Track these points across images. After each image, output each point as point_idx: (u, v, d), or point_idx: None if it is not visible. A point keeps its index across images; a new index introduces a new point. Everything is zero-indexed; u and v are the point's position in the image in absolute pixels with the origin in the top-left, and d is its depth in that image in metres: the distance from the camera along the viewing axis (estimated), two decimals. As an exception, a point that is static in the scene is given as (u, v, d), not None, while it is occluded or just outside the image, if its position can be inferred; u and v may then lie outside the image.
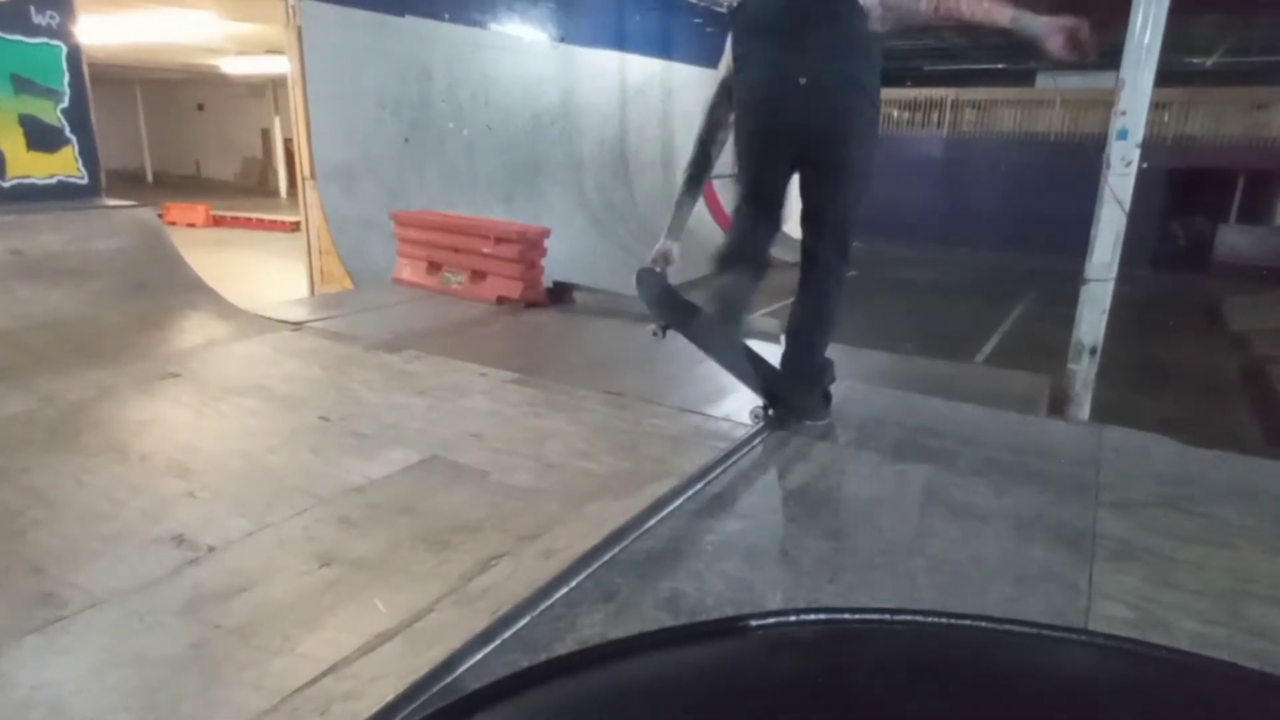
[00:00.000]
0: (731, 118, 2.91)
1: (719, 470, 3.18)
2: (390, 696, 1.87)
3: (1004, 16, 2.75)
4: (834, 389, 4.19)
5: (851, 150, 2.68)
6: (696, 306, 2.86)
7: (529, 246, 6.64)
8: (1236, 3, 11.91)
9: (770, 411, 2.98)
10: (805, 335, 2.70)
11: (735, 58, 2.75)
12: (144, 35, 11.59)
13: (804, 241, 2.82)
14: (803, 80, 2.51)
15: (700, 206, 14.89)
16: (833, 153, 2.66)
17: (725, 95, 2.89)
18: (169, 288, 5.86)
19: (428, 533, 2.93)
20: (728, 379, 4.96)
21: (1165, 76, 6.25)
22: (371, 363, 4.86)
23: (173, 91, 21.84)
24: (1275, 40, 14.36)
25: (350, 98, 8.48)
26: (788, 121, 2.63)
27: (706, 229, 15.22)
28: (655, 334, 2.98)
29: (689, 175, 2.99)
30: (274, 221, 15.14)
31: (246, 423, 3.97)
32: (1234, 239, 15.28)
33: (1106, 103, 6.96)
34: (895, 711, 0.61)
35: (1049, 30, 2.63)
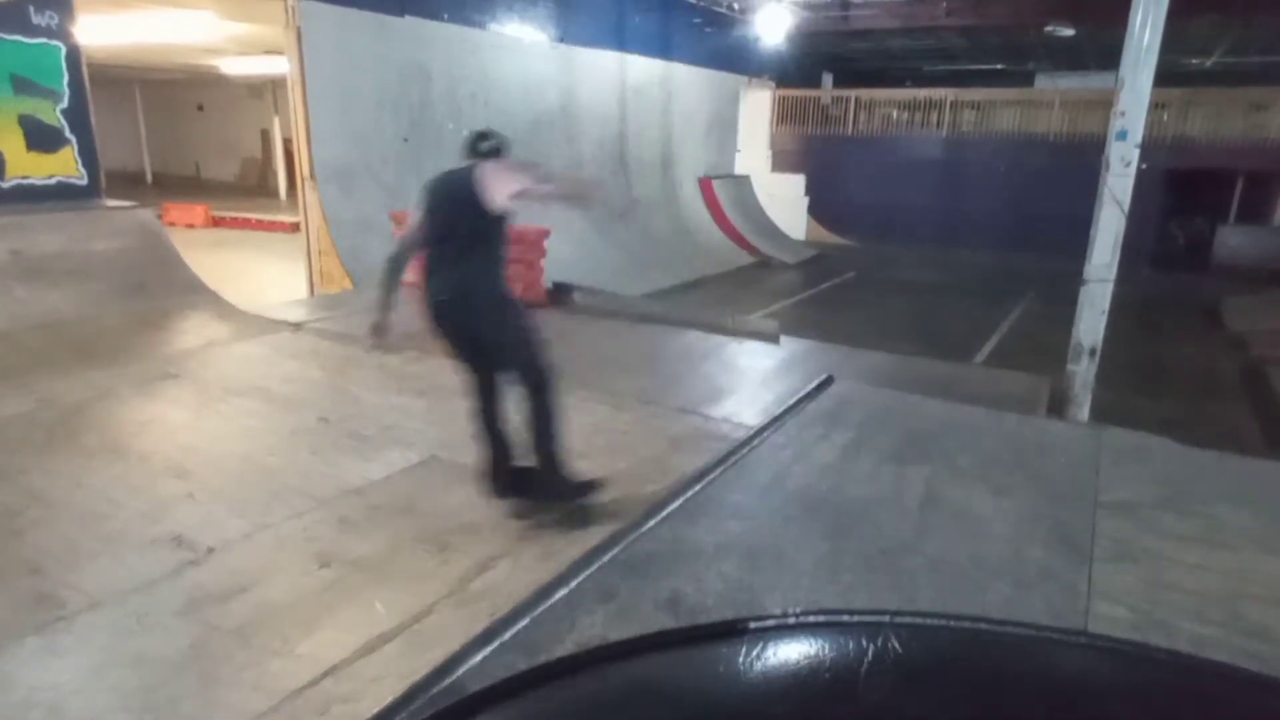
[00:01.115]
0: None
1: (718, 471, 3.18)
2: (390, 698, 1.87)
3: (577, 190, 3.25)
4: (833, 389, 4.19)
5: (499, 331, 3.09)
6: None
7: (529, 247, 6.63)
8: (1235, 3, 11.92)
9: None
10: (540, 436, 3.05)
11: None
12: (143, 36, 11.59)
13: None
14: (454, 297, 3.08)
15: (700, 206, 14.91)
16: (487, 342, 3.12)
17: (405, 256, 3.39)
18: (168, 288, 5.86)
19: (427, 534, 2.94)
20: (727, 380, 4.97)
21: (1164, 77, 6.25)
22: (371, 363, 4.86)
23: (172, 92, 21.84)
24: (1274, 41, 14.37)
25: (349, 98, 8.48)
26: (451, 323, 3.13)
27: (706, 229, 15.25)
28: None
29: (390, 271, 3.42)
30: (273, 222, 15.13)
31: (246, 424, 3.98)
32: (1233, 239, 15.28)
33: (1105, 103, 6.96)
34: (895, 713, 0.61)
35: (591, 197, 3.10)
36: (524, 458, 3.10)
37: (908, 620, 0.69)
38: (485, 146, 3.12)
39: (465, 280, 3.10)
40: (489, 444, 3.12)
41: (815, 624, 0.72)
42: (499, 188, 2.97)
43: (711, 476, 3.11)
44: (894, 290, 12.81)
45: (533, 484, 3.09)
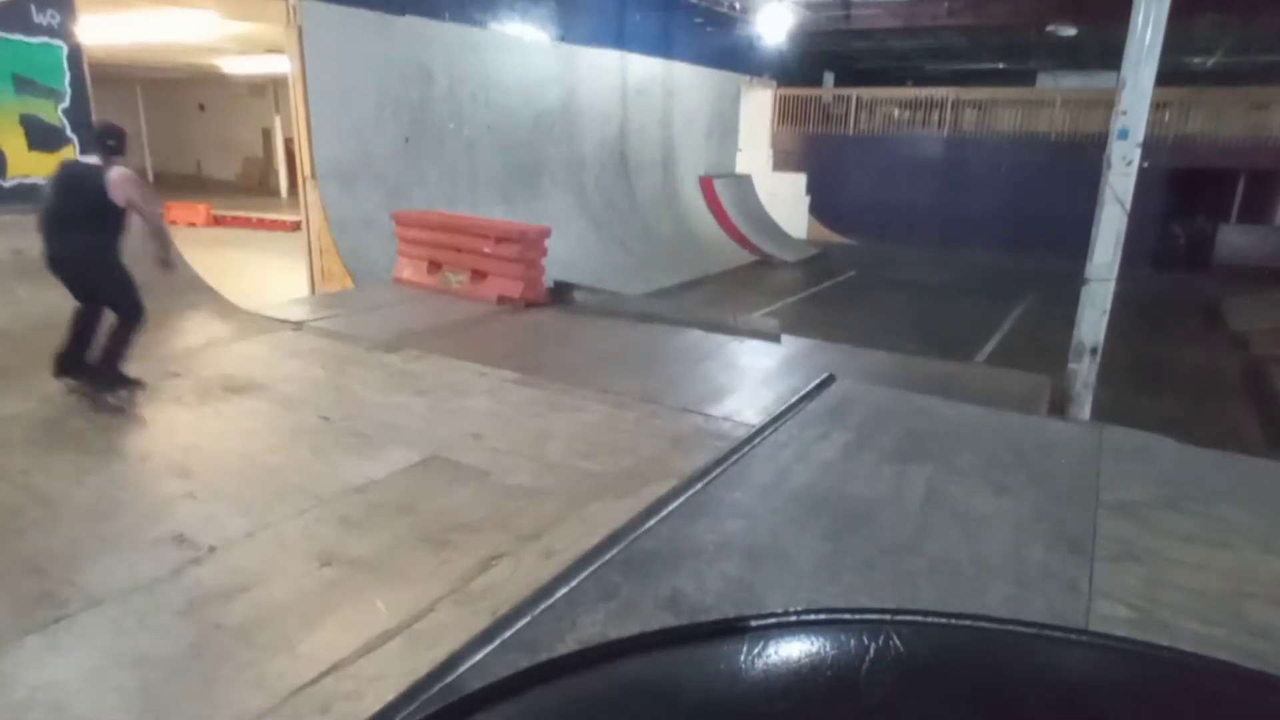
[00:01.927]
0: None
1: (719, 470, 3.17)
2: (391, 696, 1.87)
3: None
4: (834, 388, 4.19)
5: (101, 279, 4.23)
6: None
7: (529, 246, 6.64)
8: (1237, 3, 11.91)
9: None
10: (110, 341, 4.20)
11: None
12: (145, 35, 11.59)
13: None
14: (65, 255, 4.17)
15: (701, 205, 14.95)
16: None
17: None
18: (170, 287, 5.85)
19: (428, 533, 2.94)
20: (728, 379, 4.97)
21: (1166, 76, 6.24)
22: (372, 362, 4.87)
23: (174, 91, 21.85)
24: (1275, 40, 14.35)
25: (351, 97, 8.48)
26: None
27: (708, 228, 15.25)
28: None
29: None
30: (275, 221, 15.14)
31: (247, 423, 3.98)
32: (1235, 239, 15.27)
33: (1107, 103, 6.96)
34: (896, 712, 0.61)
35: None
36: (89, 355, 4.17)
37: (909, 619, 0.69)
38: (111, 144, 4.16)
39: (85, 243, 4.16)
40: (72, 334, 4.14)
41: (816, 622, 0.72)
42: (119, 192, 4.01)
43: (712, 475, 3.11)
44: (895, 289, 12.81)
45: (92, 371, 4.12)
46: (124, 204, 4.02)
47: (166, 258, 4.40)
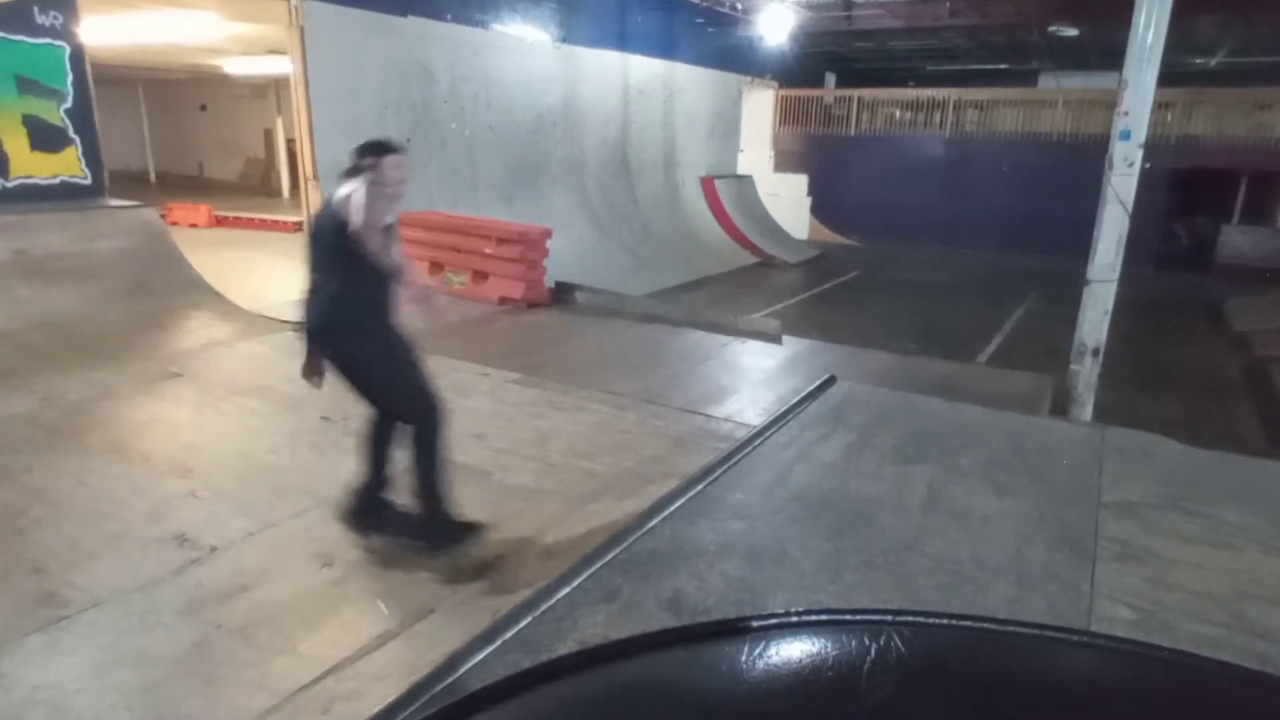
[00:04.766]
0: None
1: (720, 470, 3.17)
2: (392, 696, 1.87)
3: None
4: (835, 389, 4.18)
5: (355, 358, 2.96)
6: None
7: (531, 247, 6.64)
8: (1239, 3, 11.89)
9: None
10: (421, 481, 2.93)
11: None
12: (147, 36, 11.60)
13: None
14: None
15: (701, 206, 14.95)
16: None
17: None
18: (171, 288, 5.87)
19: (429, 533, 2.93)
20: (729, 380, 4.96)
21: (1168, 77, 6.24)
22: (373, 363, 4.86)
23: (175, 92, 21.87)
24: (1277, 40, 14.33)
25: (352, 98, 8.48)
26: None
27: (709, 229, 15.24)
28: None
29: None
30: (276, 222, 15.13)
31: (248, 423, 3.98)
32: (1237, 240, 15.24)
33: (1109, 103, 6.95)
34: (897, 713, 0.61)
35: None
36: (399, 495, 2.96)
37: (910, 619, 0.69)
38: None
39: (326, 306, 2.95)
40: (367, 464, 2.99)
41: (817, 623, 0.72)
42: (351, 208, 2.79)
43: (714, 476, 3.11)
44: (897, 290, 12.80)
45: (403, 524, 2.92)
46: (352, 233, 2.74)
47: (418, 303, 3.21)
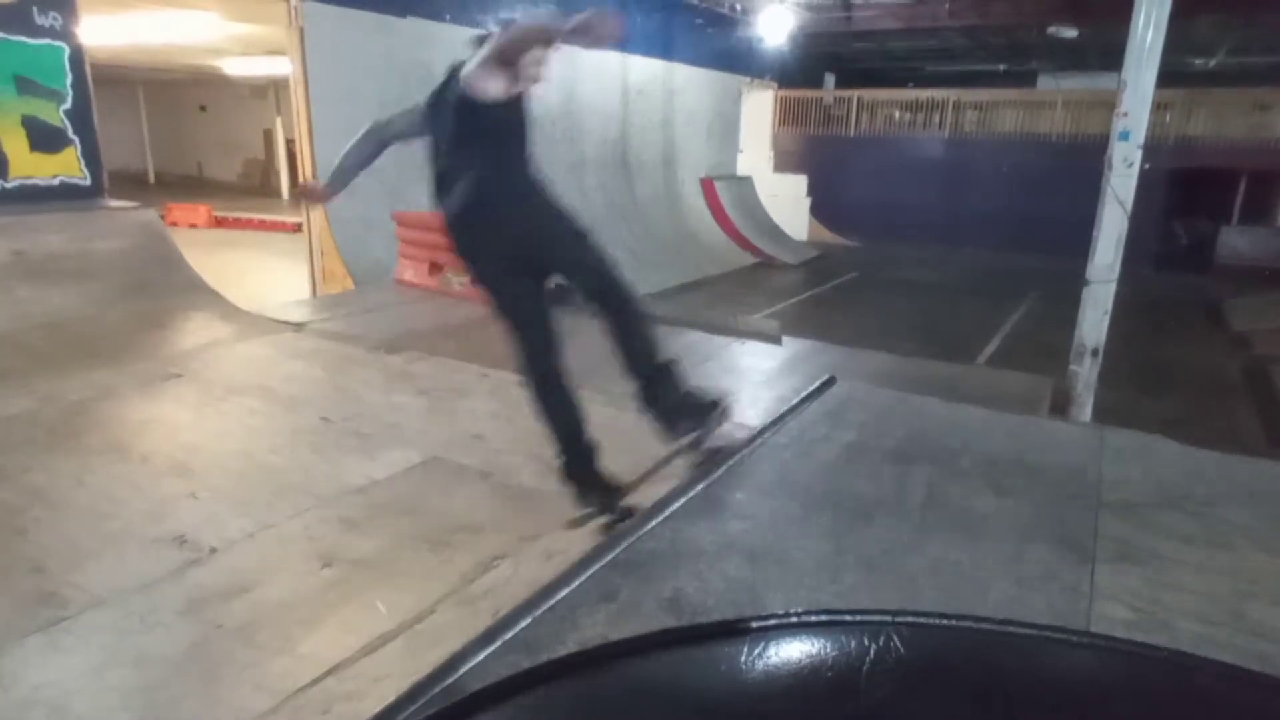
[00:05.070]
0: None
1: (720, 471, 3.17)
2: (392, 697, 1.87)
3: (564, 25, 2.59)
4: (835, 389, 4.18)
5: (543, 224, 2.73)
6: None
7: (530, 247, 6.64)
8: (1238, 3, 11.90)
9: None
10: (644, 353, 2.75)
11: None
12: (146, 36, 11.61)
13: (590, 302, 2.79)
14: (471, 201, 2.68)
15: (702, 206, 14.98)
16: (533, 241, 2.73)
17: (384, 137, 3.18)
18: (171, 288, 5.86)
19: (429, 533, 2.94)
20: (729, 380, 4.96)
21: (1167, 77, 6.24)
22: (373, 363, 4.87)
23: (175, 92, 21.88)
24: (1277, 41, 14.34)
25: (352, 98, 8.48)
26: (474, 235, 2.74)
27: (708, 229, 15.25)
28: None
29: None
30: (276, 222, 15.15)
31: (248, 423, 3.98)
32: (1236, 240, 15.25)
33: (1108, 104, 6.96)
34: (897, 713, 0.61)
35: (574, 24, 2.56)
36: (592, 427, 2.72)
37: (910, 620, 0.69)
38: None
39: (482, 181, 2.67)
40: (564, 410, 2.75)
41: (817, 623, 0.72)
42: (481, 77, 2.66)
43: (713, 476, 3.11)
44: (896, 290, 12.81)
45: (671, 416, 2.71)
46: (499, 90, 2.59)
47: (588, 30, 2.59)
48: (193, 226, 14.87)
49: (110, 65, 14.66)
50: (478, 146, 2.75)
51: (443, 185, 2.85)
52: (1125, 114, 5.51)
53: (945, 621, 0.70)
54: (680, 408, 2.84)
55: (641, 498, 3.09)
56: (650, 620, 2.14)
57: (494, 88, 2.68)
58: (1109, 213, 5.64)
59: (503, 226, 2.69)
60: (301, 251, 8.72)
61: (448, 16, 9.56)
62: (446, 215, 2.78)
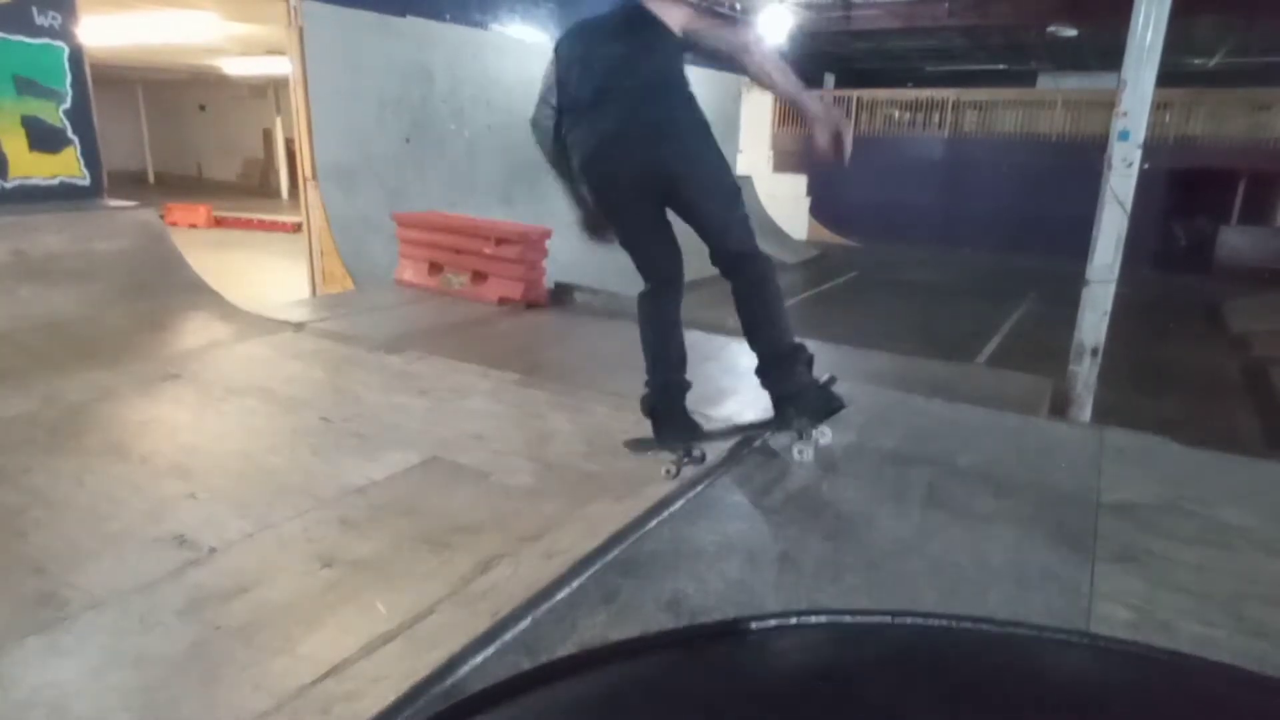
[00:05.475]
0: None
1: (720, 471, 3.17)
2: (391, 698, 1.87)
3: (800, 96, 2.63)
4: (834, 389, 4.18)
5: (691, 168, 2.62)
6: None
7: (530, 247, 6.64)
8: (1238, 3, 11.91)
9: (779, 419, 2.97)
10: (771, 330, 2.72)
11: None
12: (146, 36, 11.61)
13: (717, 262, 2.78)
14: (622, 128, 2.56)
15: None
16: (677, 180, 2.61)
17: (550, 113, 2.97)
18: (170, 289, 5.86)
19: (429, 534, 2.93)
20: (728, 380, 4.96)
21: (1167, 77, 6.25)
22: (373, 364, 4.86)
23: (174, 92, 21.87)
24: (1277, 41, 14.35)
25: (351, 98, 8.49)
26: (617, 165, 2.64)
27: (707, 230, 15.25)
28: (669, 472, 2.95)
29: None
30: (275, 222, 15.14)
31: (248, 424, 3.98)
32: (1236, 240, 15.26)
33: (1108, 104, 6.96)
34: (896, 714, 0.61)
35: (822, 122, 2.61)
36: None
37: (909, 620, 0.69)
38: None
39: (637, 106, 2.46)
40: (659, 337, 2.69)
41: (817, 624, 0.72)
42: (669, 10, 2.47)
43: (714, 477, 3.11)
44: (896, 290, 12.81)
45: (779, 403, 2.62)
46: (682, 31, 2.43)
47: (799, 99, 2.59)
48: (192, 226, 14.87)
49: (110, 65, 14.66)
50: (649, 62, 2.56)
51: (593, 108, 2.65)
52: (1125, 114, 5.51)
53: (945, 621, 0.70)
54: (793, 397, 2.78)
55: (713, 452, 3.11)
56: (650, 621, 2.14)
57: (674, 19, 2.53)
58: (1108, 213, 5.65)
59: (654, 148, 2.54)
60: (301, 252, 8.72)
61: (448, 16, 9.56)
62: (601, 135, 2.59)
